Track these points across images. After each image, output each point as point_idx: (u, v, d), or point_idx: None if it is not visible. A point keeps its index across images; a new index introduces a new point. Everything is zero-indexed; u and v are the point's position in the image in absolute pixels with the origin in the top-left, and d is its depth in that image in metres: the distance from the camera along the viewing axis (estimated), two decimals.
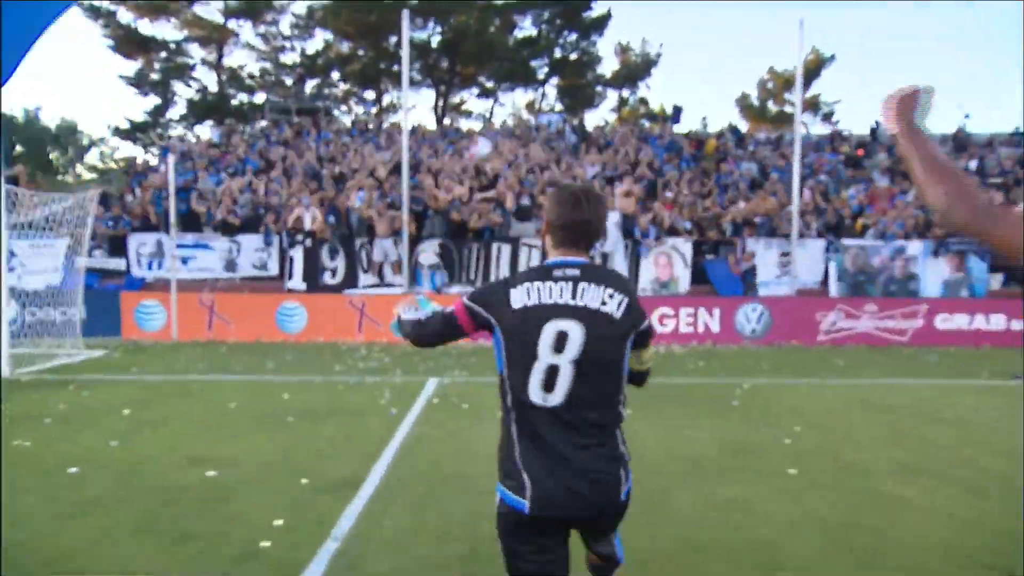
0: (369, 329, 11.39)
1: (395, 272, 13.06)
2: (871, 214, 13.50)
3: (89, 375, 8.12)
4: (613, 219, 12.97)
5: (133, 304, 11.43)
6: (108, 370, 8.54)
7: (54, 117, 54.57)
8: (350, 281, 13.14)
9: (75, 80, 69.07)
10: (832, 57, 36.50)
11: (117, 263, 13.06)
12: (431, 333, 2.01)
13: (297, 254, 13.14)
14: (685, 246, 13.19)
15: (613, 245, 12.87)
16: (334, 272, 13.24)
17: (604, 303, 1.79)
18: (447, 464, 4.78)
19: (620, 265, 12.86)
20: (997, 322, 11.19)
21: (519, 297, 1.82)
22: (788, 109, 37.99)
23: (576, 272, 1.83)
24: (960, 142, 19.62)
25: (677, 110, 22.13)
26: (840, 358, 9.97)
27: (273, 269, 13.31)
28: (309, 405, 6.56)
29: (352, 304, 11.44)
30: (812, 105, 38.20)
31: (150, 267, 13.02)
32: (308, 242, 12.98)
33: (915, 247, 12.97)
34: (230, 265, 13.22)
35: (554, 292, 1.80)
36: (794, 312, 11.36)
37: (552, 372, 1.77)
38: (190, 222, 13.48)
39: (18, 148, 44.75)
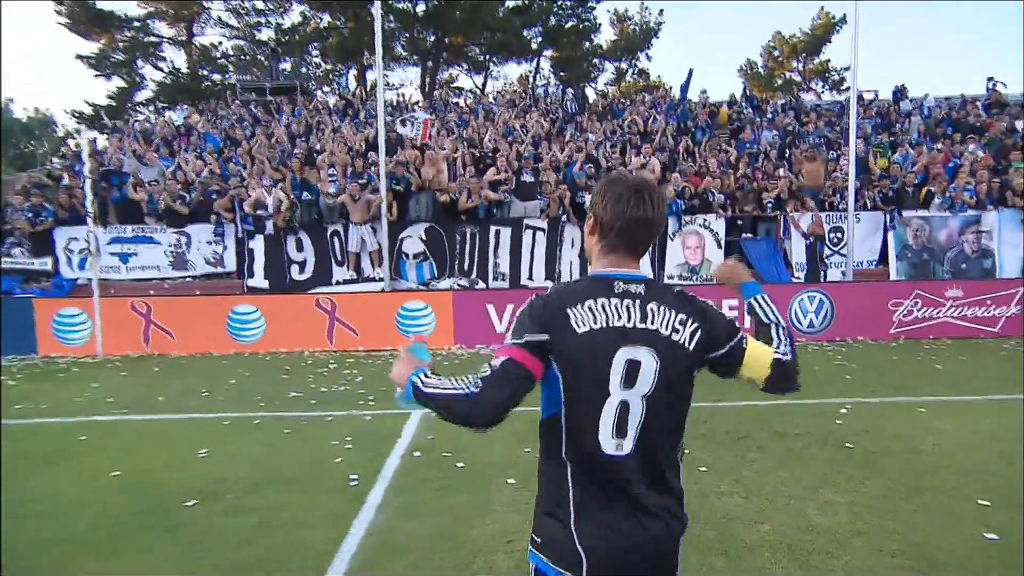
0: (341, 337, 9.32)
1: (374, 264, 10.98)
2: (935, 181, 11.41)
3: None
4: None
5: (50, 313, 9.32)
6: None
7: (28, 109, 51.99)
8: (321, 276, 11.06)
9: (41, 68, 66.14)
10: (844, 19, 34.18)
11: (42, 263, 10.93)
12: (498, 401, 1.40)
13: (257, 246, 11.04)
14: (718, 223, 11.12)
15: None
16: (302, 266, 11.16)
17: (676, 330, 1.45)
18: None
19: None
20: None
21: (582, 318, 1.42)
22: (796, 77, 35.81)
23: (641, 289, 1.47)
24: (996, 103, 17.61)
25: (690, 72, 19.79)
26: (929, 358, 7.97)
27: (230, 264, 11.21)
28: (229, 471, 4.51)
29: (320, 306, 9.37)
30: (821, 72, 35.99)
31: (83, 266, 10.86)
32: (269, 228, 10.87)
33: (990, 218, 10.94)
34: (179, 261, 11.11)
35: (621, 312, 1.44)
36: (860, 300, 9.34)
37: (624, 411, 1.43)
38: (128, 212, 11.36)
39: None
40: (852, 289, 9.57)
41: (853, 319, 9.28)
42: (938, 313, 9.20)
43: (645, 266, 11.03)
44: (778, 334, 1.62)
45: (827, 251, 10.60)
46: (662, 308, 1.45)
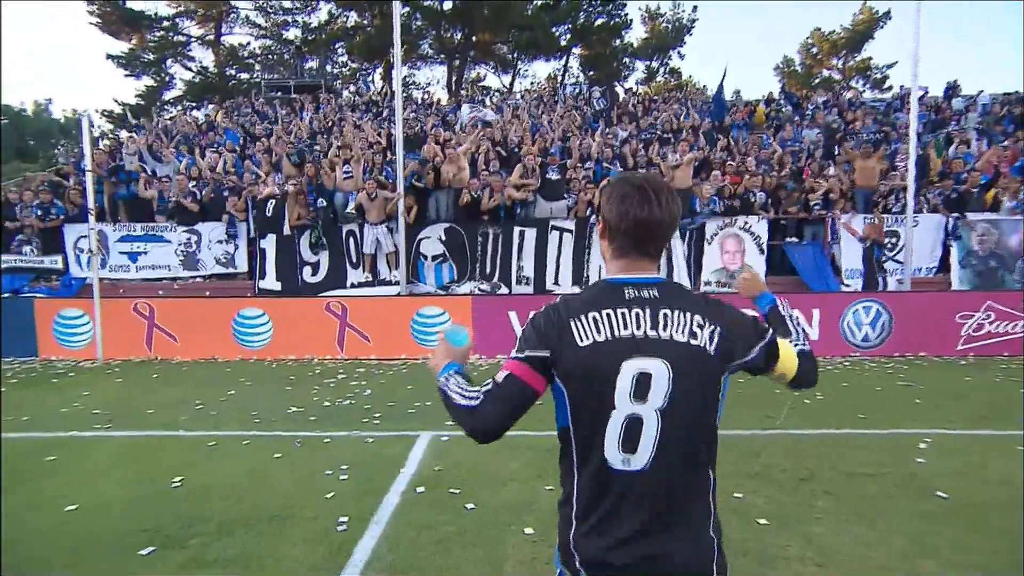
0: (352, 343, 8.72)
1: (391, 266, 10.39)
2: (1003, 181, 10.37)
3: None
4: None
5: (51, 314, 8.91)
6: None
7: (66, 109, 53.06)
8: (335, 279, 10.51)
9: (71, 68, 67.58)
10: (888, 15, 32.74)
11: (52, 261, 10.58)
12: (495, 416, 1.40)
13: (269, 246, 10.53)
14: (759, 226, 10.26)
15: None
16: (315, 268, 10.61)
17: (694, 334, 1.37)
18: None
19: (678, 254, 9.99)
20: None
21: (585, 330, 1.38)
22: (836, 75, 34.39)
23: (655, 292, 1.40)
24: None
25: (725, 69, 18.83)
26: (1010, 380, 7.03)
27: (241, 265, 10.73)
28: (202, 507, 3.89)
29: (330, 310, 8.78)
30: (862, 70, 34.52)
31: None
32: (285, 228, 10.34)
33: None
34: (189, 261, 10.66)
35: (629, 321, 1.37)
36: (921, 311, 8.39)
37: (634, 425, 1.36)
38: (139, 209, 10.96)
39: (30, 142, 43.14)
40: (913, 299, 8.62)
41: (914, 333, 8.34)
42: (1015, 328, 8.22)
43: (681, 271, 10.32)
44: (793, 327, 1.63)
45: (884, 257, 9.63)
46: (676, 313, 1.38)
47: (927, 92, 19.21)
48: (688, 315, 1.37)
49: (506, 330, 8.55)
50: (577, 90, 22.86)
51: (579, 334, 1.37)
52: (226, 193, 10.71)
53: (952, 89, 19.20)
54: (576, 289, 9.26)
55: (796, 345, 1.55)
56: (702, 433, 1.40)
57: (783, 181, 10.72)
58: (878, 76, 33.88)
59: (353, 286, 10.53)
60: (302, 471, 4.49)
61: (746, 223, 10.24)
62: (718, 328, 1.38)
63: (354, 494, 4.04)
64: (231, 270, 10.69)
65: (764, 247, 10.22)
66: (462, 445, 4.96)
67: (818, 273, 10.07)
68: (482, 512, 3.74)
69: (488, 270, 10.28)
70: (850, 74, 33.58)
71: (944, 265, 10.25)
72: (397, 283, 10.06)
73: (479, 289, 9.98)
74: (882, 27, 32.85)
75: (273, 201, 10.12)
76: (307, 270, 10.64)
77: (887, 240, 9.69)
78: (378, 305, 9.03)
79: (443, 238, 10.37)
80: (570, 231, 10.18)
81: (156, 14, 26.17)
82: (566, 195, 10.63)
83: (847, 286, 10.00)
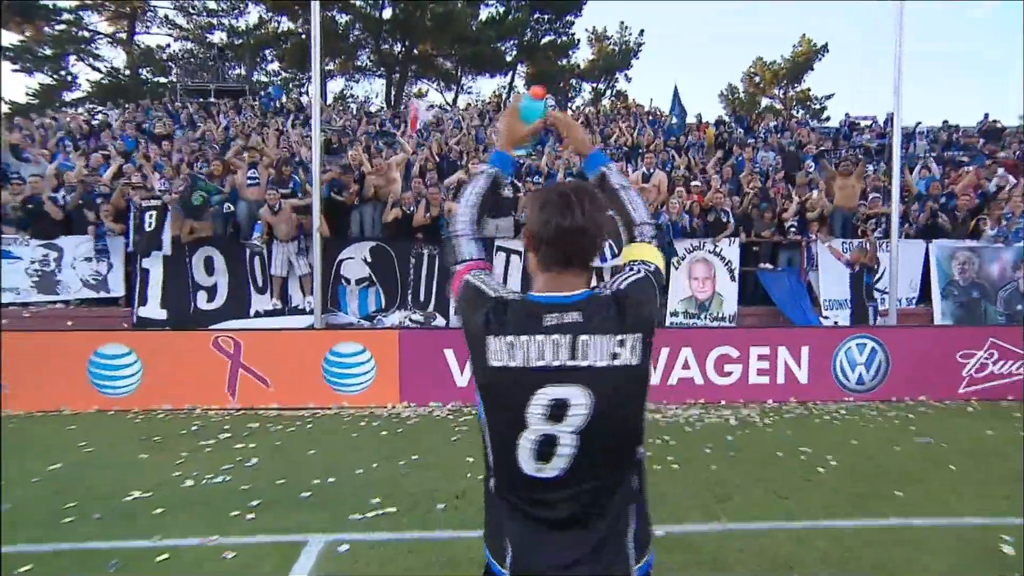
0: (247, 388, 6.91)
1: (305, 292, 8.65)
2: (978, 205, 9.66)
3: None
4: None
5: None
6: None
7: None
8: (236, 307, 8.69)
9: None
10: (825, 48, 33.50)
11: None
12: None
13: (153, 265, 8.60)
14: (731, 249, 9.12)
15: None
16: (212, 292, 8.75)
17: (616, 355, 1.34)
18: None
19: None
20: None
21: (499, 351, 1.35)
22: (778, 104, 34.88)
23: (576, 318, 1.35)
24: (991, 131, 16.60)
25: (675, 88, 17.94)
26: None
27: (116, 288, 8.73)
28: None
29: (219, 347, 6.95)
30: (803, 100, 35.16)
31: None
32: (167, 245, 8.44)
33: None
34: (46, 283, 8.57)
35: (547, 351, 1.33)
36: (919, 349, 7.34)
37: (548, 442, 1.35)
38: None
39: None
40: (909, 335, 7.57)
41: (912, 373, 7.27)
42: (1019, 368, 7.27)
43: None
44: (631, 206, 1.58)
45: (874, 282, 8.62)
46: (596, 338, 1.34)
47: (876, 121, 19.11)
48: (609, 337, 1.34)
49: (441, 372, 6.96)
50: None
51: (492, 352, 1.35)
52: (99, 200, 8.72)
53: (892, 119, 19.12)
54: None
55: (644, 237, 1.54)
56: (628, 436, 1.39)
57: (753, 202, 9.65)
58: (817, 107, 34.51)
59: (258, 315, 8.73)
60: None
61: (716, 247, 9.08)
62: (639, 335, 1.35)
63: None
64: (102, 294, 8.67)
65: (736, 273, 9.08)
66: (371, 554, 3.35)
67: (795, 302, 9.00)
68: None
69: (422, 298, 8.68)
70: (791, 103, 34.08)
71: (923, 295, 9.40)
72: (310, 312, 8.33)
73: (410, 320, 8.37)
74: (820, 59, 33.58)
75: (154, 212, 8.21)
76: (201, 295, 8.76)
77: (876, 266, 8.68)
78: (281, 341, 7.25)
79: (368, 259, 8.72)
80: (518, 252, 8.74)
81: (55, 5, 23.40)
82: (514, 212, 9.21)
83: (826, 318, 8.97)
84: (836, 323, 8.76)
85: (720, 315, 9.00)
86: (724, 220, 9.12)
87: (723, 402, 7.11)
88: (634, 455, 1.41)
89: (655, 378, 7.17)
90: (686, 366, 7.21)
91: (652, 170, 9.81)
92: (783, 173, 12.28)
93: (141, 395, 6.83)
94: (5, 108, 24.20)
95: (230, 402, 6.93)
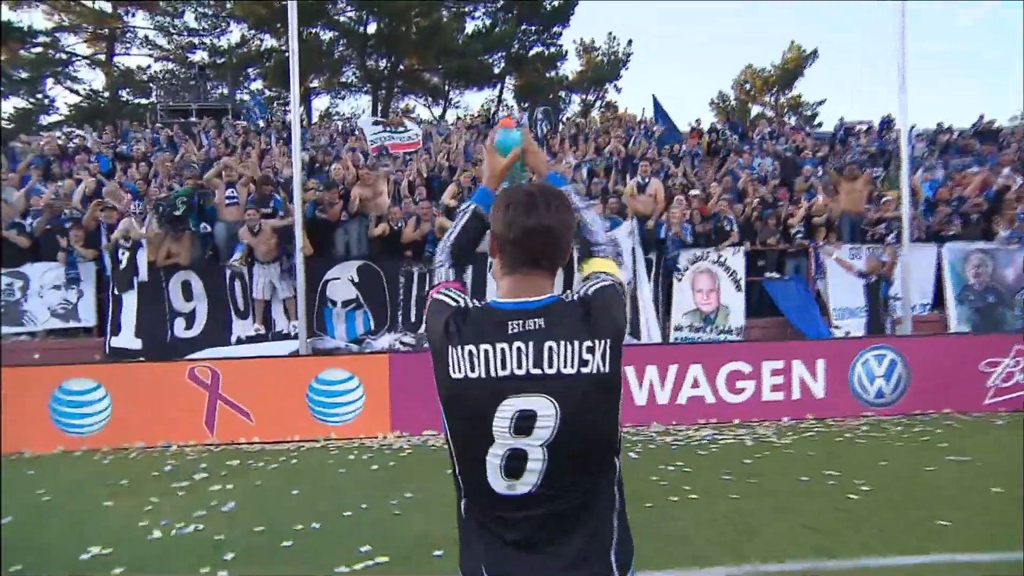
0: (226, 422, 6.41)
1: (289, 315, 8.18)
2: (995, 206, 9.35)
3: None
4: (625, 228, 8.50)
5: None
6: None
7: None
8: (216, 333, 8.19)
9: None
10: (815, 53, 33.52)
11: None
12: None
13: (128, 293, 8.10)
14: (736, 259, 8.74)
15: (632, 267, 8.34)
16: (191, 319, 8.25)
17: (584, 362, 1.28)
18: None
19: (646, 296, 8.30)
20: None
21: (459, 362, 1.30)
22: (769, 112, 34.84)
23: (539, 323, 1.29)
24: (986, 132, 16.48)
25: (654, 98, 17.42)
26: None
27: (88, 318, 8.22)
28: None
29: (195, 378, 6.46)
30: (794, 106, 35.15)
31: None
32: (143, 271, 7.97)
33: None
34: (11, 313, 8.05)
35: (509, 359, 1.28)
36: (940, 359, 6.96)
37: (517, 457, 1.29)
38: None
39: None
40: (930, 345, 7.19)
41: (935, 385, 6.87)
42: None
43: (650, 322, 8.59)
44: (592, 226, 1.55)
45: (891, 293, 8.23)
46: (563, 344, 1.28)
47: (871, 125, 18.93)
48: (575, 343, 1.28)
49: (435, 397, 6.46)
50: (515, 115, 21.47)
51: (453, 364, 1.31)
52: (68, 224, 8.24)
53: (887, 123, 18.95)
54: None
55: (601, 252, 1.51)
56: (600, 447, 1.34)
57: (756, 209, 9.29)
58: (808, 113, 34.49)
59: (240, 341, 8.22)
60: None
61: (720, 256, 8.70)
62: (608, 340, 1.30)
63: None
64: (72, 324, 8.16)
65: (742, 283, 8.69)
66: None
67: (804, 313, 8.61)
68: None
69: (413, 318, 8.22)
70: (783, 110, 34.04)
71: (937, 301, 9.04)
72: (294, 337, 7.85)
73: (401, 343, 7.91)
74: (810, 65, 33.58)
75: (129, 242, 7.74)
76: (179, 322, 8.26)
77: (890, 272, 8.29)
78: (262, 369, 6.77)
79: (355, 279, 8.26)
80: None
81: (30, 27, 22.91)
82: None
83: (836, 328, 8.58)
84: (848, 333, 8.38)
85: (727, 328, 8.59)
86: (728, 228, 8.75)
87: (736, 421, 6.69)
88: (611, 467, 1.36)
89: (663, 398, 6.78)
90: (695, 384, 6.79)
91: (648, 179, 9.43)
92: (780, 180, 11.97)
93: (110, 432, 6.31)
94: None
95: (208, 437, 6.43)
